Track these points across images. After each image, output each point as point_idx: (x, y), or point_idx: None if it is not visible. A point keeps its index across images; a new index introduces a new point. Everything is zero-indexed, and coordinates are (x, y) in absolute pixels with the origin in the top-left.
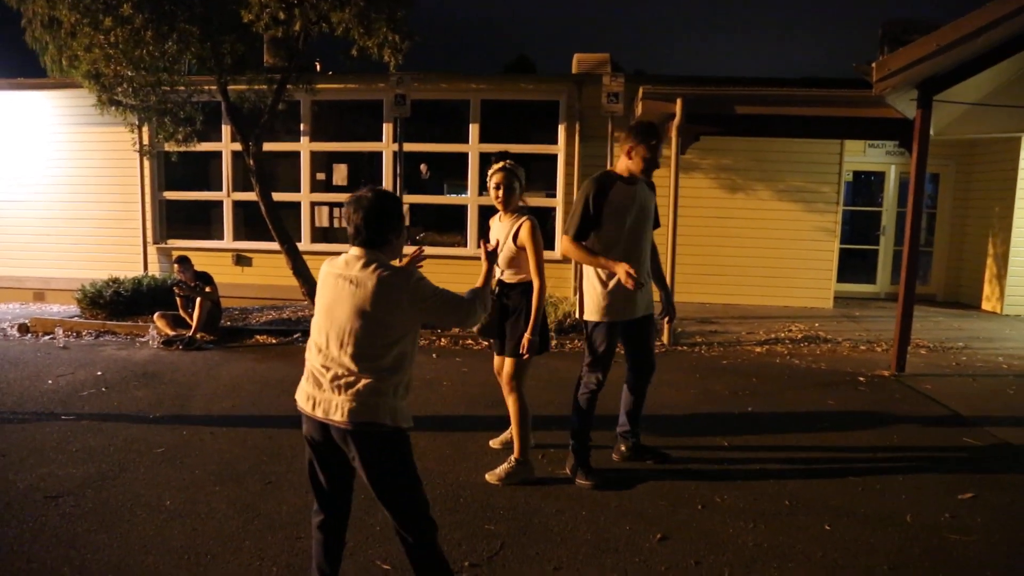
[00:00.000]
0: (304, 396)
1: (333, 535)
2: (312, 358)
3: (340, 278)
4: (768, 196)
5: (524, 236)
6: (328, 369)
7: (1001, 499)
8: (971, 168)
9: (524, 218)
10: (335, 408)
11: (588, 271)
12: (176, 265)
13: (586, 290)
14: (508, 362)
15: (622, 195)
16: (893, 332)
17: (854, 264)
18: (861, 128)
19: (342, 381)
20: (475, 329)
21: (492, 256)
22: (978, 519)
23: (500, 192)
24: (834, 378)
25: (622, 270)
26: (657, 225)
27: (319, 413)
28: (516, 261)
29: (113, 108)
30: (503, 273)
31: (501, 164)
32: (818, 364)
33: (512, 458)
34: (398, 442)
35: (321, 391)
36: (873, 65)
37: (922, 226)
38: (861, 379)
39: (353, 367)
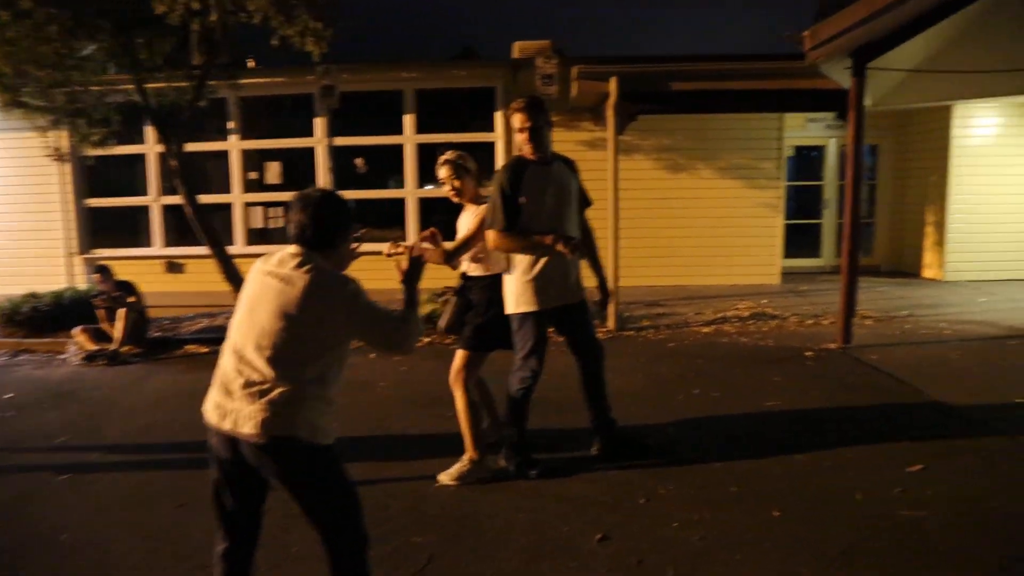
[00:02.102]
0: (211, 406)
1: (238, 566)
2: (225, 362)
3: (269, 275)
4: (710, 175)
5: (466, 222)
6: (241, 374)
7: (950, 468)
8: (908, 138)
9: (478, 207)
10: (246, 419)
11: (505, 261)
12: (96, 275)
13: (510, 281)
14: (458, 354)
15: (536, 177)
16: (838, 305)
17: (799, 239)
18: (799, 100)
19: (256, 388)
20: (440, 324)
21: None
22: (928, 491)
23: (449, 186)
24: (781, 354)
25: (552, 239)
26: (588, 203)
27: (227, 425)
28: (481, 254)
29: (18, 110)
30: (468, 267)
31: (444, 158)
32: (765, 341)
33: (465, 456)
34: (320, 457)
35: (231, 400)
36: (806, 34)
37: (863, 198)
38: (808, 354)
39: (270, 373)
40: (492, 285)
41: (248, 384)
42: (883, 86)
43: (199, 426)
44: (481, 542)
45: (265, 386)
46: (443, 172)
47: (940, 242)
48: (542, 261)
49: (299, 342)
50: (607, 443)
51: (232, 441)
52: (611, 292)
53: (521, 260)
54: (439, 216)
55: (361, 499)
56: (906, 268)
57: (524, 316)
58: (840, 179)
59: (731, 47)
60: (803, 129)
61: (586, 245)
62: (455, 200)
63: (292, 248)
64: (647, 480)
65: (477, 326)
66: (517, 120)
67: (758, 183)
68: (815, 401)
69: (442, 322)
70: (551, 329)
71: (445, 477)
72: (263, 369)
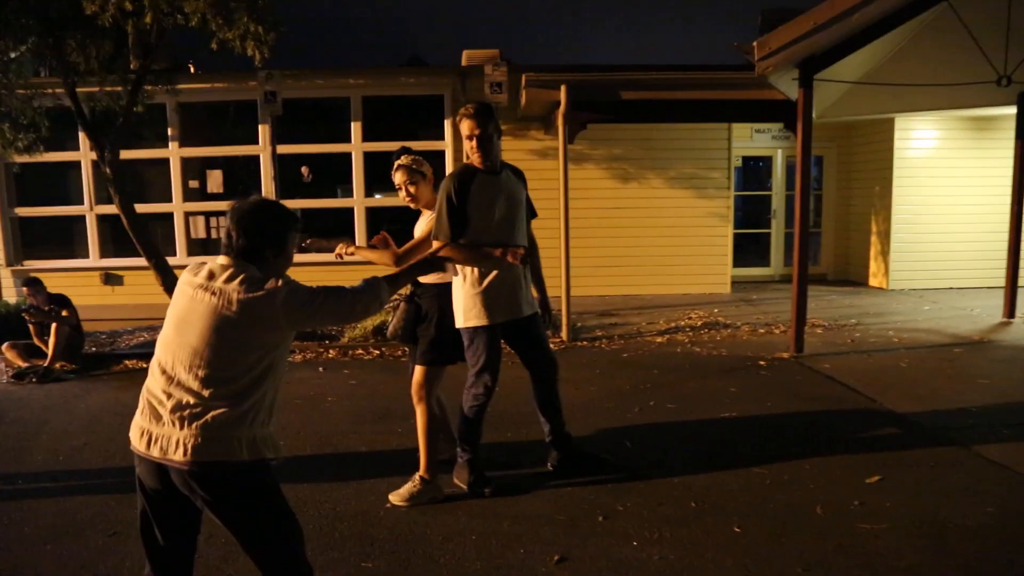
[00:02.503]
0: (137, 432)
1: None
2: (152, 383)
3: (200, 289)
4: (660, 184)
5: (422, 230)
6: (170, 396)
7: (907, 479)
8: (852, 150)
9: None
10: (176, 446)
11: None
12: (25, 288)
13: (459, 295)
14: (418, 370)
15: (485, 186)
16: (789, 314)
17: (748, 248)
18: (747, 111)
19: (187, 412)
20: (388, 332)
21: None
22: (887, 503)
23: (405, 191)
24: (735, 364)
25: (500, 251)
26: (533, 215)
27: (155, 452)
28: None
29: None
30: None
31: (399, 162)
32: (719, 350)
33: (417, 476)
34: (256, 478)
35: (159, 425)
36: (754, 44)
37: (810, 208)
38: (762, 363)
39: (203, 394)
40: (442, 294)
41: (179, 407)
42: (828, 98)
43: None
44: (434, 568)
45: (198, 408)
46: (398, 177)
47: (885, 251)
48: (492, 274)
49: (234, 357)
50: (563, 458)
51: (161, 469)
52: (551, 310)
53: (469, 273)
54: (389, 226)
55: (302, 526)
56: (853, 277)
57: (475, 331)
58: (787, 189)
59: (679, 60)
60: (750, 140)
61: (530, 259)
62: (411, 206)
63: (222, 260)
64: (604, 497)
65: (432, 340)
66: (466, 127)
67: (707, 193)
68: (770, 412)
69: (390, 330)
70: (503, 343)
71: (395, 498)
72: (195, 389)
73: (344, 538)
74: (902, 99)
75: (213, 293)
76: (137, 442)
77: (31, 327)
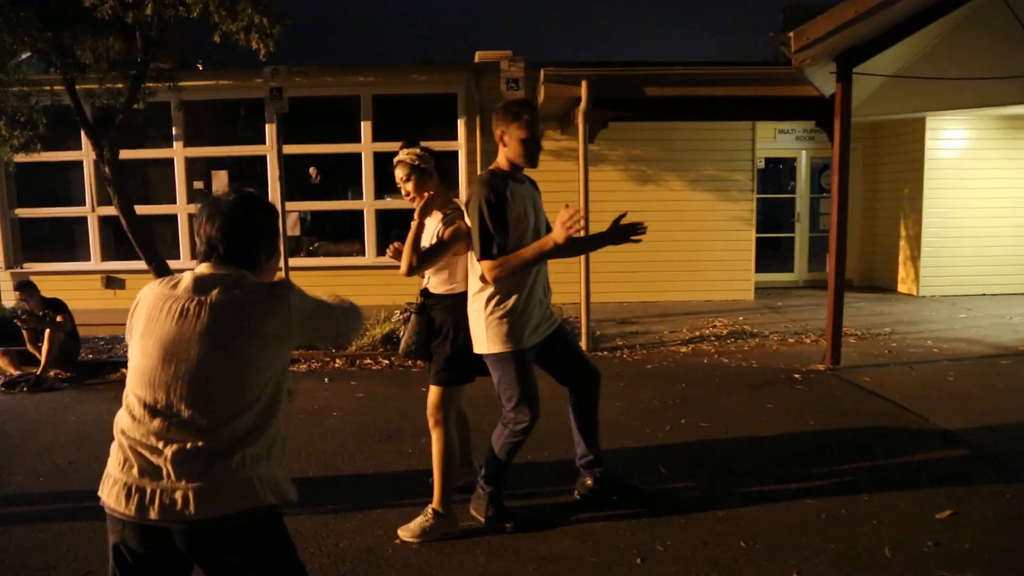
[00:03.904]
0: (121, 492)
1: None
2: (134, 429)
3: (188, 305)
4: (681, 186)
5: (442, 235)
6: (169, 442)
7: (983, 514)
8: (879, 151)
9: (453, 219)
10: (186, 500)
11: (471, 293)
12: (17, 292)
13: (478, 317)
14: (433, 390)
15: (517, 194)
16: (819, 322)
17: (769, 253)
18: (776, 108)
19: (196, 457)
20: (400, 348)
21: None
22: (966, 545)
23: (407, 187)
24: (768, 376)
25: (561, 229)
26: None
27: (155, 514)
28: (445, 267)
29: None
30: (429, 281)
31: (398, 157)
32: (748, 362)
33: (429, 509)
34: (279, 527)
35: (156, 479)
36: (791, 35)
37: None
38: (796, 376)
39: (214, 431)
40: (456, 305)
41: (184, 454)
42: (856, 96)
43: None
44: None
45: (210, 450)
46: (397, 173)
47: (914, 256)
48: (516, 291)
49: (246, 382)
50: (596, 487)
51: (156, 533)
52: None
53: (486, 292)
54: (399, 229)
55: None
56: (879, 283)
57: (505, 358)
58: (812, 192)
59: (708, 55)
60: (773, 141)
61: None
62: (413, 205)
63: (204, 267)
64: (641, 534)
65: (447, 358)
66: (524, 126)
67: (731, 195)
68: (814, 432)
69: (402, 346)
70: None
71: (406, 533)
72: (204, 427)
73: None
74: (935, 97)
75: (211, 306)
76: (122, 504)
77: (24, 333)
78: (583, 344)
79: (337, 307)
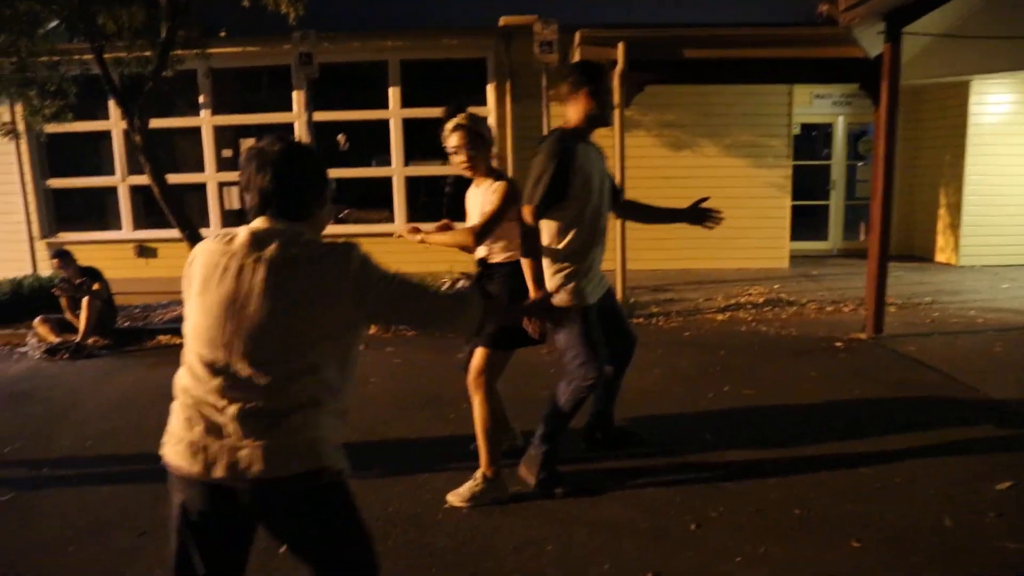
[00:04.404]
0: (186, 450)
1: None
2: (197, 387)
3: (249, 260)
4: (716, 152)
5: (488, 202)
6: (233, 400)
7: None
8: (919, 115)
9: (498, 183)
10: (251, 459)
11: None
12: (55, 260)
13: (546, 275)
14: (478, 353)
15: (585, 156)
16: (856, 291)
17: (803, 221)
18: (819, 70)
19: (261, 416)
20: None
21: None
22: None
23: (462, 156)
24: (808, 345)
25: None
26: (618, 192)
27: (219, 472)
28: (503, 235)
29: None
30: (485, 251)
31: (455, 121)
32: (787, 330)
33: (479, 474)
34: (340, 487)
35: (220, 437)
36: None
37: (865, 178)
38: (838, 344)
39: (279, 390)
40: (514, 273)
41: (248, 412)
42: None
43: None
44: None
45: (275, 408)
46: (454, 139)
47: (954, 225)
48: (584, 250)
49: (308, 342)
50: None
51: (222, 492)
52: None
53: (563, 247)
54: (426, 197)
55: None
56: (917, 252)
57: (579, 310)
58: (848, 158)
59: (742, 17)
60: (809, 106)
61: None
62: (468, 173)
63: (260, 222)
64: (692, 500)
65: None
66: (588, 85)
67: (766, 161)
68: (860, 400)
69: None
70: None
71: (455, 499)
72: (267, 386)
73: (399, 545)
74: (981, 60)
75: (269, 263)
76: (187, 463)
77: (62, 301)
78: None
79: (412, 283)
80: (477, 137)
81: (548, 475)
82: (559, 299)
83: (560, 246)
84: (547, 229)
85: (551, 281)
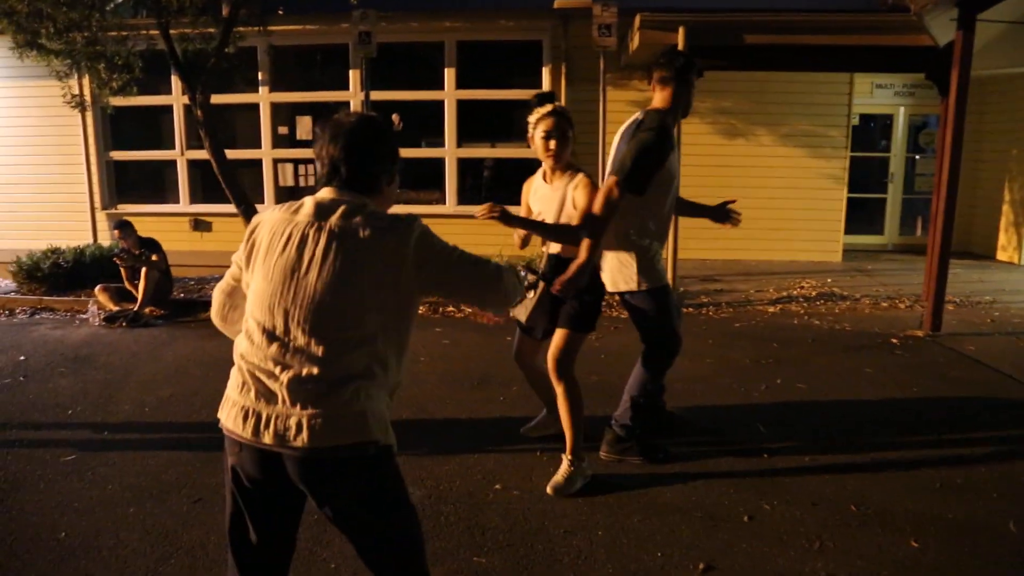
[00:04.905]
0: (239, 414)
1: None
2: (253, 352)
3: (311, 229)
4: (771, 141)
5: (580, 197)
6: (286, 367)
7: None
8: (983, 108)
9: (579, 176)
10: (299, 428)
11: (622, 233)
12: (116, 231)
13: (631, 258)
14: (558, 335)
15: (675, 142)
16: (912, 287)
17: (858, 214)
18: (883, 59)
19: (312, 385)
20: (522, 317)
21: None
22: None
23: (553, 143)
24: (863, 340)
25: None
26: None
27: (268, 439)
28: None
29: (34, 52)
30: (555, 247)
31: (551, 107)
32: (841, 325)
33: (566, 459)
34: (392, 466)
35: (272, 404)
36: None
37: (924, 172)
38: (894, 340)
39: (333, 360)
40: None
41: (300, 380)
42: None
43: (220, 402)
44: (558, 569)
45: (328, 378)
46: (546, 124)
47: (1018, 223)
48: (661, 235)
49: (365, 314)
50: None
51: (271, 458)
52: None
53: (650, 226)
54: (473, 180)
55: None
56: (976, 249)
57: (659, 292)
58: (908, 151)
59: (804, 3)
60: (870, 96)
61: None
62: (549, 161)
63: (328, 193)
64: (746, 491)
65: (589, 303)
66: (687, 77)
67: (823, 152)
68: (919, 398)
69: (523, 314)
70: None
71: (552, 489)
72: (322, 356)
73: (450, 524)
74: None
75: (332, 232)
76: (239, 427)
77: (122, 271)
78: None
79: (471, 257)
80: (567, 124)
81: (640, 444)
82: (645, 281)
83: (648, 225)
84: (634, 208)
85: (637, 263)
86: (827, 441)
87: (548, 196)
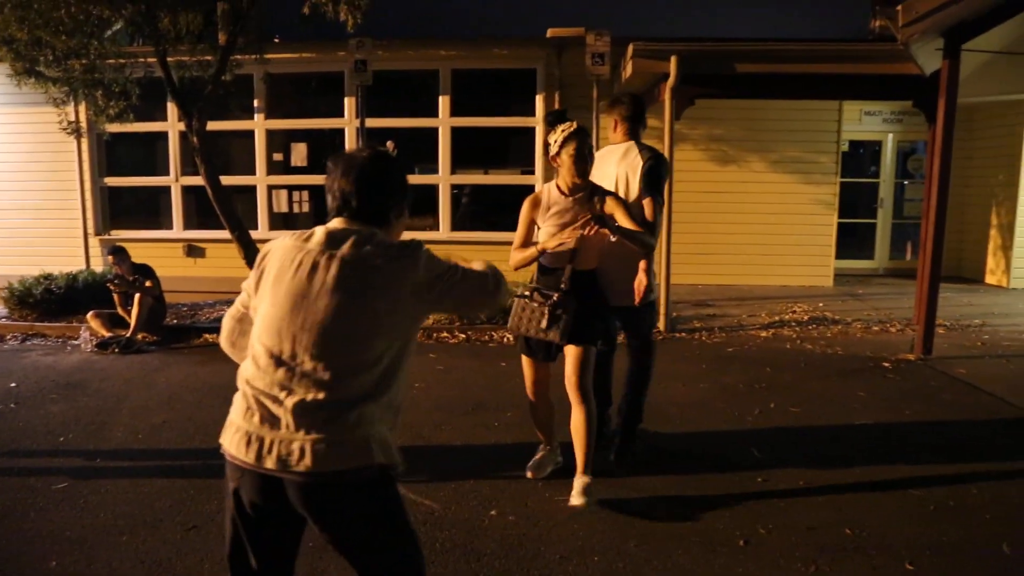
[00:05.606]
0: (242, 439)
1: None
2: (257, 377)
3: (320, 258)
4: (763, 168)
5: (612, 206)
6: (291, 392)
7: None
8: (970, 135)
9: (600, 193)
10: (302, 452)
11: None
12: (111, 256)
13: (646, 275)
14: (576, 353)
15: None
16: (903, 311)
17: (849, 239)
18: (873, 87)
19: (316, 410)
20: (555, 337)
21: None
22: None
23: (575, 163)
24: (856, 364)
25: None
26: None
27: (270, 463)
28: (592, 244)
29: (32, 80)
30: (577, 262)
31: (574, 126)
32: (833, 349)
33: (581, 478)
34: (392, 491)
35: (275, 428)
36: (899, 8)
37: (912, 197)
38: (886, 364)
39: (337, 385)
40: (595, 276)
41: (305, 405)
42: None
43: (214, 428)
44: None
45: (333, 403)
46: (573, 144)
47: (1006, 247)
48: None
49: (372, 338)
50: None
51: (272, 483)
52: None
53: (651, 253)
54: (472, 207)
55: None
56: (966, 273)
57: (654, 304)
58: (897, 177)
59: (793, 32)
60: (859, 123)
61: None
62: (574, 180)
63: (337, 222)
64: (741, 516)
65: (598, 314)
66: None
67: (813, 178)
68: (911, 422)
69: (556, 335)
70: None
71: (578, 500)
72: (326, 380)
73: (447, 550)
74: None
75: (343, 261)
76: (242, 452)
77: (115, 296)
78: (660, 325)
79: (473, 272)
80: (590, 142)
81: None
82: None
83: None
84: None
85: (652, 279)
86: (821, 465)
87: (568, 208)
